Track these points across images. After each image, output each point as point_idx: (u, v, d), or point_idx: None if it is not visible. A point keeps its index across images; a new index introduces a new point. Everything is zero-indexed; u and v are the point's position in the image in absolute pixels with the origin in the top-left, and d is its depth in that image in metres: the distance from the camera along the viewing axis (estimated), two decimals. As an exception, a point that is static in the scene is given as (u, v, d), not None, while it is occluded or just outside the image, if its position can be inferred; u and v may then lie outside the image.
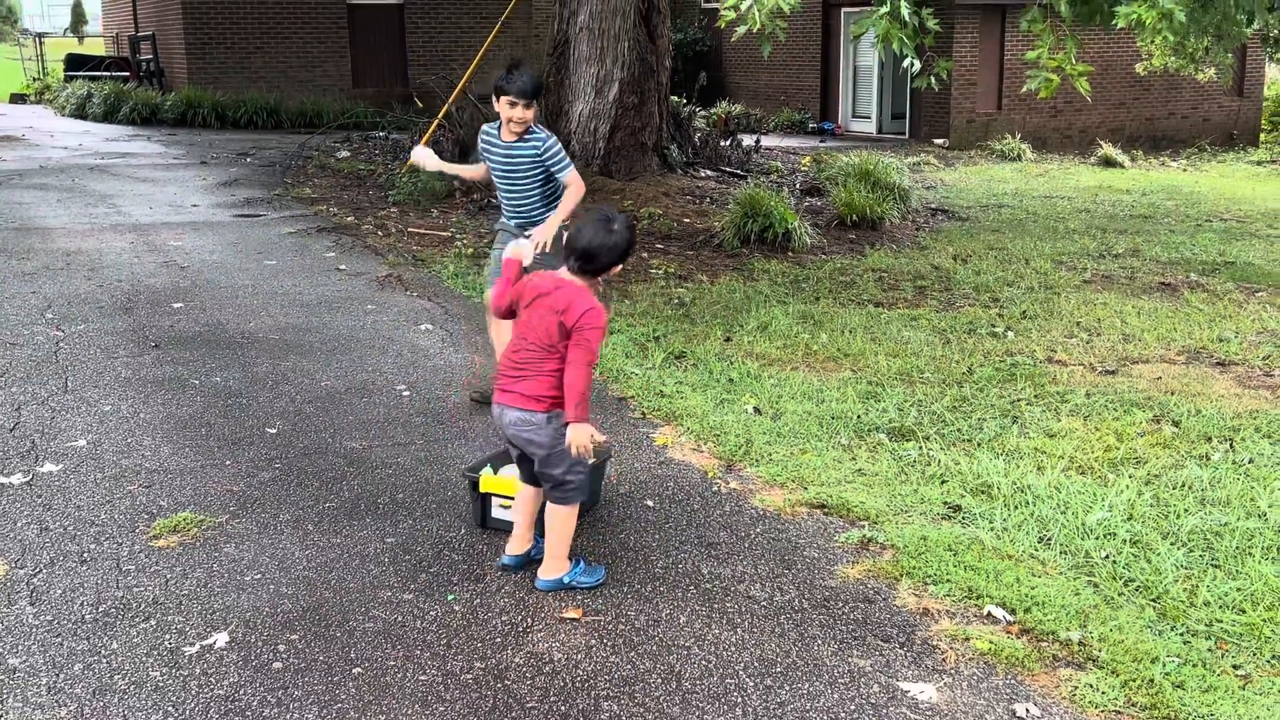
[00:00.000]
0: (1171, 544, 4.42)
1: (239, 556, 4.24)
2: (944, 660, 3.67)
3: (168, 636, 3.70)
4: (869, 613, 3.95)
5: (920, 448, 5.40)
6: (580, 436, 3.88)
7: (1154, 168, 19.96)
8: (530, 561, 4.19)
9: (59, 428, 5.49)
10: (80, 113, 21.25)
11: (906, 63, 7.44)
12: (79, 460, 5.11)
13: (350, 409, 5.84)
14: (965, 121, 21.08)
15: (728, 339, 7.26)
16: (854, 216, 11.57)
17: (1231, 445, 5.50)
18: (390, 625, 3.80)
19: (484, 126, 5.70)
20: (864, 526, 4.58)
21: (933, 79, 8.18)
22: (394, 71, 22.37)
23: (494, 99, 5.44)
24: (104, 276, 8.55)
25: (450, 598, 3.98)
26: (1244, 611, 3.94)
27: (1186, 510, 4.72)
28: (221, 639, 3.69)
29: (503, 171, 5.57)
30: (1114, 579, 4.18)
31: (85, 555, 4.23)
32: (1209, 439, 5.60)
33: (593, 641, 3.73)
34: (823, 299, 8.51)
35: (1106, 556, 4.33)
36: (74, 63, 25.28)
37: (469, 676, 3.51)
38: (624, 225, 4.07)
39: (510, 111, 5.34)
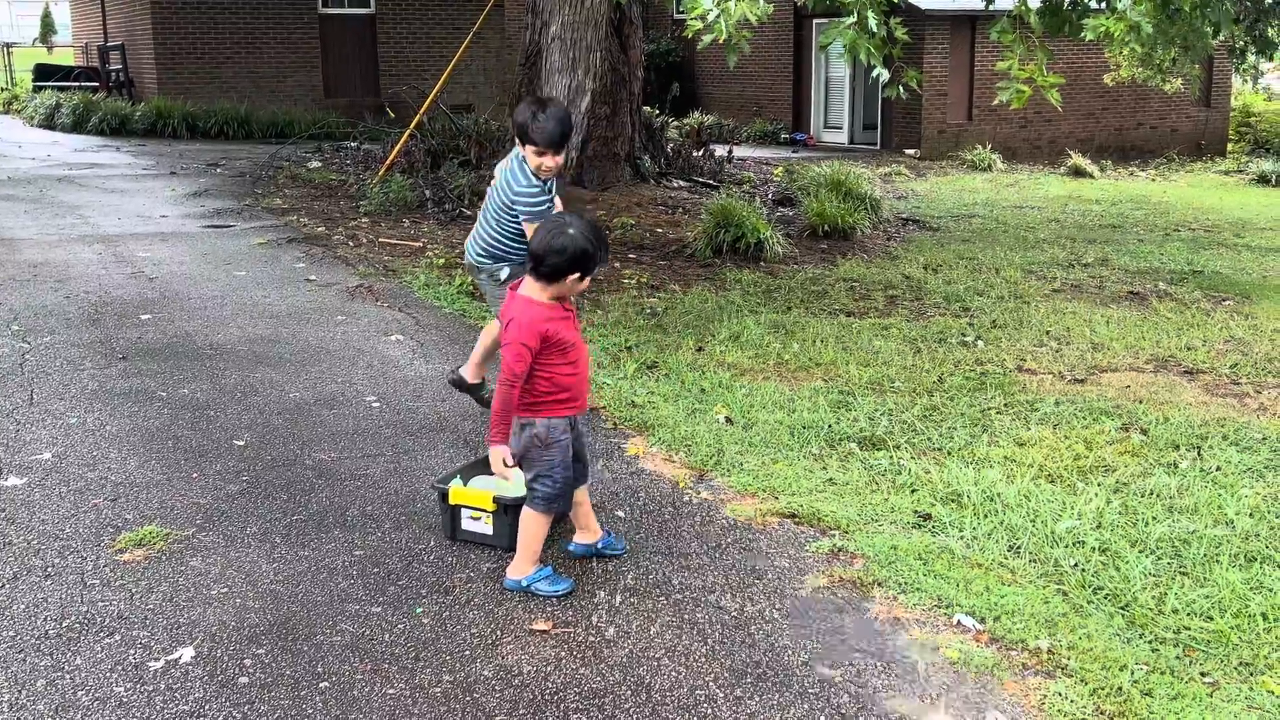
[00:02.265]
0: (1140, 552, 4.44)
1: (205, 570, 4.20)
2: (914, 669, 3.67)
3: (132, 652, 3.66)
4: (839, 622, 3.94)
5: (891, 457, 5.41)
6: (494, 459, 3.98)
7: (1123, 178, 20.12)
8: (596, 554, 4.36)
9: (24, 440, 5.43)
10: (49, 123, 21.08)
11: (875, 73, 7.47)
12: (44, 473, 5.05)
13: (319, 420, 5.80)
14: (936, 132, 21.20)
15: (700, 349, 7.27)
16: (826, 227, 11.60)
17: (1199, 453, 5.53)
18: (358, 638, 3.77)
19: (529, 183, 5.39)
20: (834, 536, 4.58)
21: (901, 89, 8.21)
22: (366, 82, 22.30)
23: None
24: (71, 288, 8.48)
25: (419, 610, 3.95)
26: (1211, 619, 3.96)
27: (1155, 518, 4.75)
28: (187, 654, 3.65)
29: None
30: (1083, 587, 4.19)
31: (49, 570, 4.18)
32: (1177, 447, 5.64)
33: (562, 654, 3.71)
34: (794, 309, 8.52)
35: (1075, 565, 4.34)
36: (43, 73, 25.08)
37: (437, 690, 3.49)
38: (582, 229, 4.00)
39: (537, 160, 5.24)
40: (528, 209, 5.33)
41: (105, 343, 7.06)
